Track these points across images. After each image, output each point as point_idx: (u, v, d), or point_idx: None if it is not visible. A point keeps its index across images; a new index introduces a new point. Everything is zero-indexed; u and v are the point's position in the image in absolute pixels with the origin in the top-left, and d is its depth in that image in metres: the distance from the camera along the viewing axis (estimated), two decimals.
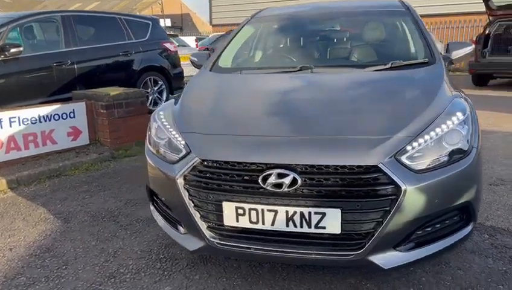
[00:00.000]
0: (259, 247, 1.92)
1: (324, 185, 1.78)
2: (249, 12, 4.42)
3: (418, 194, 1.76)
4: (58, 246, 2.67)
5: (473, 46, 3.06)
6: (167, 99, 6.69)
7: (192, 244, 2.07)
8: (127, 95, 4.89)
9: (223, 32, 16.33)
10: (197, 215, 1.98)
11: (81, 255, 2.54)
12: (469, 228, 1.99)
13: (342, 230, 1.79)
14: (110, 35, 6.35)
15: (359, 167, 1.76)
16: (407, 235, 1.85)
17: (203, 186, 1.95)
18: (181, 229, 2.16)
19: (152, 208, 2.42)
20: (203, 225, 1.98)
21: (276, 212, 1.84)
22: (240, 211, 1.89)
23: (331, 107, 2.22)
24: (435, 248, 1.91)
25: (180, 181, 1.98)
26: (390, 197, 1.75)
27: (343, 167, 1.77)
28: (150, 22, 7.30)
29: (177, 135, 2.15)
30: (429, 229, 1.90)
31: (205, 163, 1.94)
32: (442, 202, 1.85)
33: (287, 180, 1.79)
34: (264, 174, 1.82)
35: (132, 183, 3.79)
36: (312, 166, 1.79)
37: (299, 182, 1.78)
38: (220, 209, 1.92)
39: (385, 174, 1.75)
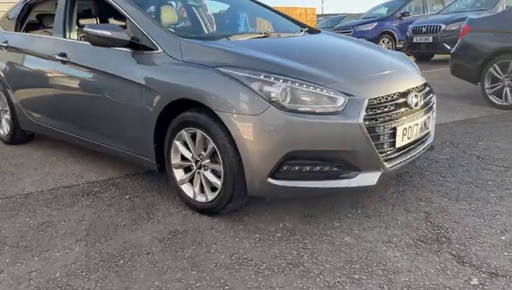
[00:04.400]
0: (403, 159, 2.44)
1: (425, 98, 2.59)
2: None
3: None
4: None
5: None
6: None
7: (371, 178, 2.25)
8: None
9: None
10: (376, 149, 2.22)
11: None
12: None
13: (431, 128, 2.68)
14: None
15: (426, 84, 2.70)
16: None
17: (381, 120, 2.23)
18: (348, 174, 2.22)
19: (277, 183, 2.19)
20: (380, 156, 2.25)
21: (417, 124, 2.47)
22: (404, 132, 2.36)
23: (360, 53, 2.85)
24: None
25: (362, 124, 2.14)
26: (434, 101, 2.79)
27: (423, 84, 2.65)
28: None
29: (317, 89, 2.16)
30: None
31: (373, 101, 2.22)
32: None
33: (420, 99, 2.47)
34: (410, 97, 2.40)
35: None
36: (417, 87, 2.55)
37: (422, 98, 2.51)
38: (393, 135, 2.29)
39: (430, 87, 2.78)
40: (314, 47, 2.90)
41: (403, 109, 2.37)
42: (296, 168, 2.19)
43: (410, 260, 2.00)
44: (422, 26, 10.06)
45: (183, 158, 2.54)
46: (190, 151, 2.49)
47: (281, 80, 2.14)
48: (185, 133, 2.46)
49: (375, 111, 2.23)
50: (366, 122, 2.17)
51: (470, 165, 3.20)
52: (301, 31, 3.37)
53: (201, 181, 2.48)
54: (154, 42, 2.59)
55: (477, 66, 5.39)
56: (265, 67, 2.23)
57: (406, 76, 2.58)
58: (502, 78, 5.15)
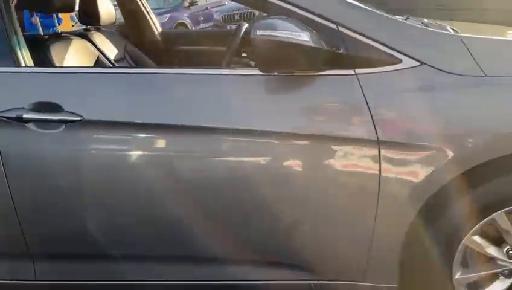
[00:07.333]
0: None
1: None
2: None
3: None
4: None
5: None
6: None
7: None
8: None
9: None
10: None
11: None
12: None
13: None
14: None
15: None
16: None
17: None
18: None
19: None
20: None
21: None
22: None
23: None
24: None
25: None
26: None
27: None
28: None
29: None
30: None
31: None
32: None
33: None
34: None
35: None
36: None
37: None
38: None
39: None
40: None
41: None
42: None
43: None
44: (235, 14, 9.69)
45: (484, 261, 1.34)
46: (500, 246, 1.31)
47: None
48: (504, 218, 1.25)
49: None
50: None
51: None
52: None
53: None
54: (388, 50, 1.21)
55: None
56: None
57: None
58: None
